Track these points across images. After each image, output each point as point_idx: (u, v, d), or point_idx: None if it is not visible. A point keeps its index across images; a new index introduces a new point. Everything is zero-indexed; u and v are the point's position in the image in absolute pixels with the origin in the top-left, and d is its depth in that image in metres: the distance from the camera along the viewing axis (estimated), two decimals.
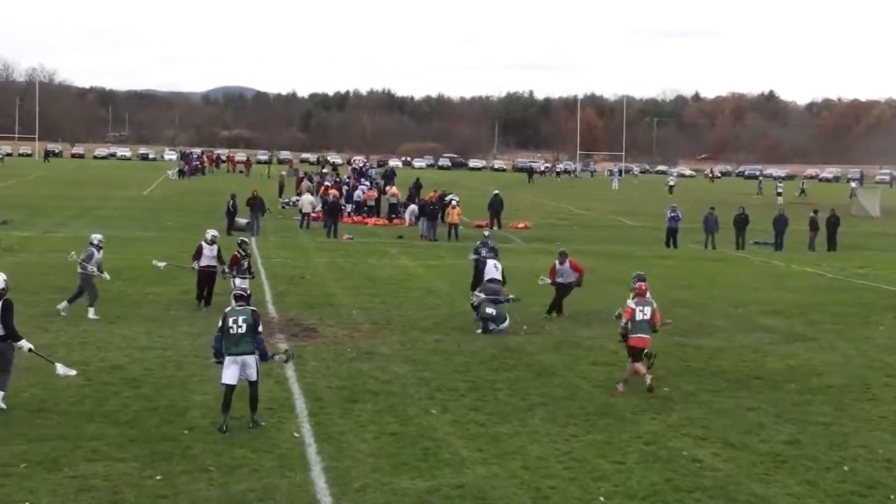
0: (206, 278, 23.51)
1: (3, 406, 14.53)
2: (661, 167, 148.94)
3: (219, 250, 23.63)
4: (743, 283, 31.60)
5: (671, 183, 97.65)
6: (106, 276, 22.57)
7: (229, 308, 14.39)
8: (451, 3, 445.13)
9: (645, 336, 16.93)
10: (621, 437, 14.22)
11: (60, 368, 15.23)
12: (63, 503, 11.04)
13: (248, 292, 15.09)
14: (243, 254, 23.31)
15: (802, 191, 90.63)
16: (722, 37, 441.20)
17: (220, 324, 14.18)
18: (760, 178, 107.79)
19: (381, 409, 15.27)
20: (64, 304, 22.16)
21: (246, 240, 25.22)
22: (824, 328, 23.46)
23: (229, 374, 13.99)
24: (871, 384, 17.94)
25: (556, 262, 24.31)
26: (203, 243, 23.59)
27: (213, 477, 11.99)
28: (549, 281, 24.02)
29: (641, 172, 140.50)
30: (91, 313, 21.66)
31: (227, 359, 14.01)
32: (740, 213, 44.57)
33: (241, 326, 14.02)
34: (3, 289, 14.86)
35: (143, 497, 11.28)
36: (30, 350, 14.90)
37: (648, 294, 17.74)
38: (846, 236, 46.53)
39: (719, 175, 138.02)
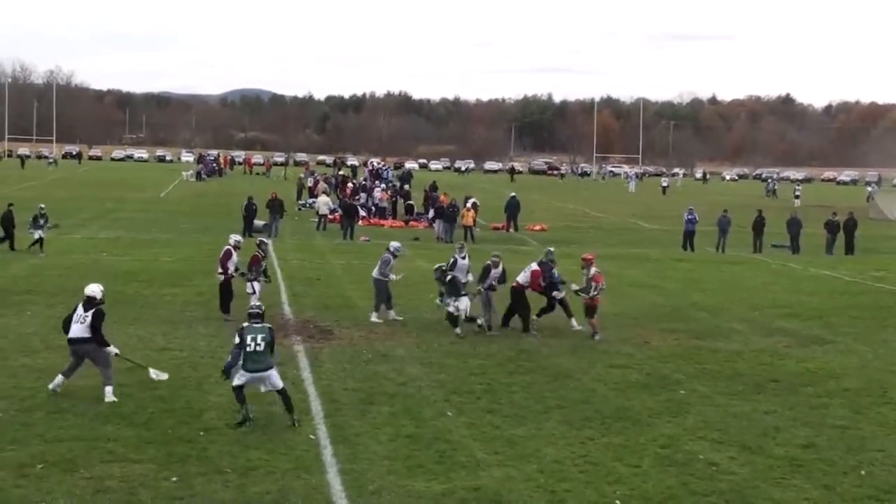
0: (229, 285, 22.75)
1: (114, 399, 15.12)
2: (676, 170, 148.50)
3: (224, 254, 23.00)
4: (760, 286, 31.49)
5: (664, 184, 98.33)
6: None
7: (246, 325, 14.42)
8: (469, 7, 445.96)
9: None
10: (637, 440, 14.18)
11: (153, 373, 15.90)
12: None
13: (262, 308, 15.15)
14: (263, 255, 23.29)
15: (773, 192, 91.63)
16: (736, 40, 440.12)
17: (237, 340, 14.23)
18: (770, 180, 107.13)
19: (397, 412, 15.27)
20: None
21: (265, 240, 25.17)
22: (841, 331, 23.36)
23: (239, 380, 14.15)
24: (888, 388, 17.85)
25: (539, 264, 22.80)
26: (231, 249, 22.85)
27: (229, 479, 12.01)
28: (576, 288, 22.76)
29: (684, 176, 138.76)
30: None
31: (244, 374, 14.11)
32: (758, 217, 44.44)
33: (259, 344, 14.14)
34: (99, 299, 15.77)
35: (159, 498, 11.30)
36: (116, 355, 15.62)
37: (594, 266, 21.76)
38: (863, 239, 46.31)
39: (733, 178, 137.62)
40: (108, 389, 15.28)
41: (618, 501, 11.67)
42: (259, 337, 14.18)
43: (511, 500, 11.60)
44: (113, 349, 15.63)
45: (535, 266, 22.44)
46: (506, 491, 11.89)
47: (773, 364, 19.60)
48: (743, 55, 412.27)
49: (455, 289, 21.76)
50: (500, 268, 22.62)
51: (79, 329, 15.54)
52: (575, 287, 22.39)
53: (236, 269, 22.80)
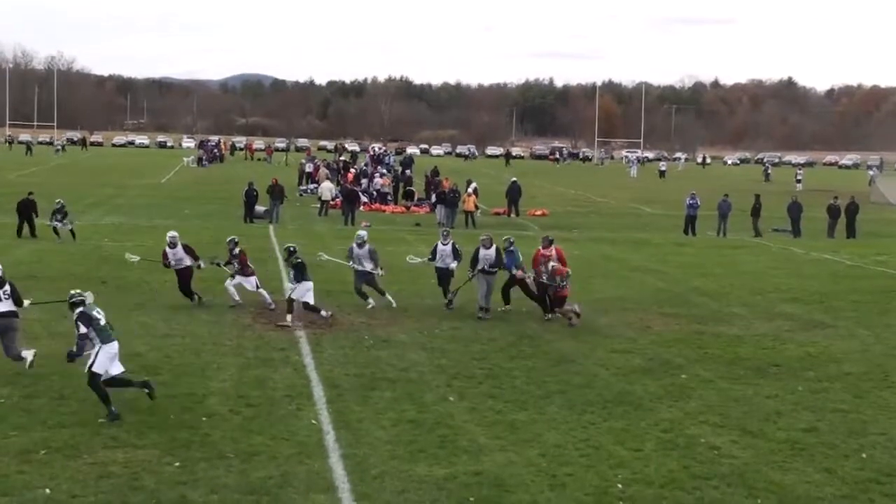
0: (183, 280, 22.48)
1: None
2: (678, 154, 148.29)
3: (185, 246, 22.51)
4: (761, 270, 31.50)
5: (662, 168, 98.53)
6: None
7: (86, 306, 14.25)
8: None
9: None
10: (639, 424, 14.21)
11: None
12: (83, 489, 11.09)
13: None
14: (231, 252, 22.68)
15: (767, 175, 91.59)
16: (737, 24, 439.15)
17: (83, 330, 14.01)
18: (767, 164, 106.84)
19: (399, 397, 15.30)
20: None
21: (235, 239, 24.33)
22: (843, 315, 23.36)
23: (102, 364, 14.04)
24: (889, 372, 17.86)
25: (541, 248, 22.43)
26: (166, 248, 22.43)
27: (232, 464, 12.04)
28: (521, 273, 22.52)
29: (686, 161, 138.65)
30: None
31: (110, 350, 14.05)
32: (756, 202, 44.47)
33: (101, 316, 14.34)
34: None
35: (162, 483, 11.33)
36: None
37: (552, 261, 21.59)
38: (865, 223, 46.30)
39: (735, 162, 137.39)
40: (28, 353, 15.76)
41: (619, 485, 11.70)
42: (98, 309, 14.24)
43: (513, 485, 11.63)
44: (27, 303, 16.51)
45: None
46: (507, 475, 11.92)
47: (775, 348, 19.62)
48: (745, 39, 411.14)
49: (299, 273, 20.85)
50: (492, 250, 22.13)
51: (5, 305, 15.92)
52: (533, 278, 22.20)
53: (213, 261, 22.79)
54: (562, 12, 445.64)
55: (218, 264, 22.92)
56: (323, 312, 20.71)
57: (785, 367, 17.99)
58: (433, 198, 49.38)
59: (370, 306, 22.24)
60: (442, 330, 20.38)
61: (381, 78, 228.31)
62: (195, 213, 46.02)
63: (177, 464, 11.97)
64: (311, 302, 20.76)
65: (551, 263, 21.53)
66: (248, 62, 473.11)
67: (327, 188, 49.18)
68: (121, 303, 21.76)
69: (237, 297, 22.10)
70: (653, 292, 26.09)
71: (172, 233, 22.86)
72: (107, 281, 24.24)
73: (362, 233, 23.51)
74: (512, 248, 22.52)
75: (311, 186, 58.50)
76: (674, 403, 15.39)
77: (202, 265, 22.62)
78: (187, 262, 22.36)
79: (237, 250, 22.56)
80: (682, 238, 41.80)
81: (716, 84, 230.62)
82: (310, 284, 20.84)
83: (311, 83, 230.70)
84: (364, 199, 50.98)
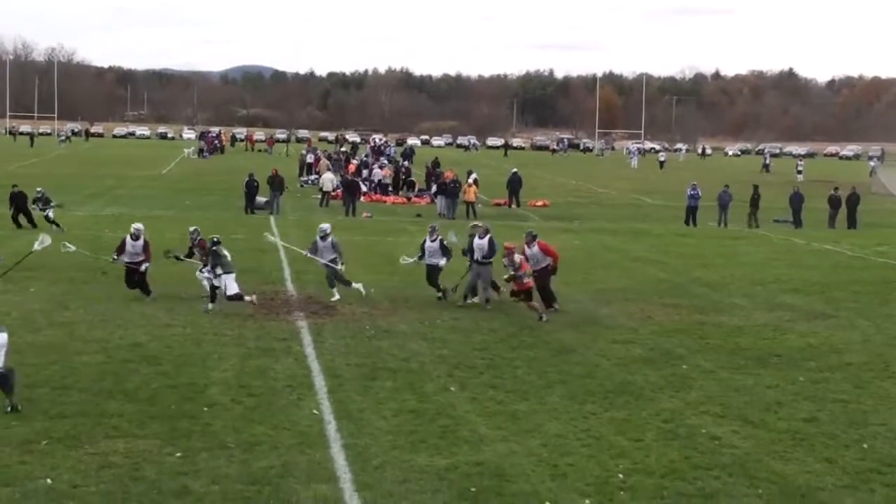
0: (130, 275, 21.96)
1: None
2: (679, 145, 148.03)
3: (146, 242, 22.16)
4: (762, 261, 31.49)
5: (662, 159, 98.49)
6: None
7: None
8: None
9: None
10: (640, 414, 14.21)
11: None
12: (84, 479, 11.10)
13: None
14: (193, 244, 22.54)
15: (765, 167, 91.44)
16: (735, 14, 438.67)
17: None
18: (767, 155, 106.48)
19: (400, 387, 15.30)
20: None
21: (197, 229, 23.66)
22: (844, 306, 23.36)
23: None
24: (890, 362, 17.86)
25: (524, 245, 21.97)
26: (127, 237, 22.12)
27: (233, 454, 12.04)
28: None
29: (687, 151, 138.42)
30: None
31: None
32: (754, 192, 44.48)
33: None
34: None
35: (164, 473, 11.34)
36: None
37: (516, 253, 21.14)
38: (866, 214, 46.28)
39: (735, 153, 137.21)
40: None
41: (620, 475, 11.70)
42: None
43: (514, 475, 11.63)
44: None
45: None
46: (508, 465, 11.93)
47: (776, 339, 19.62)
48: (745, 30, 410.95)
49: (218, 262, 20.65)
50: (486, 239, 21.94)
51: None
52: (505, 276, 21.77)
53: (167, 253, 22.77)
54: (562, 3, 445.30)
55: (177, 257, 22.85)
56: (247, 298, 20.58)
57: (786, 357, 17.99)
58: (434, 188, 49.36)
59: (334, 298, 22.15)
60: (443, 320, 20.37)
61: (382, 69, 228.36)
62: (196, 204, 45.98)
63: (178, 454, 11.97)
64: (236, 291, 20.57)
65: (517, 256, 21.13)
66: (248, 54, 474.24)
67: (328, 179, 49.14)
68: (121, 293, 21.78)
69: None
70: (654, 283, 26.09)
71: (138, 225, 22.49)
72: (107, 272, 24.21)
73: (324, 226, 23.25)
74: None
75: (313, 177, 58.47)
76: (675, 394, 15.39)
77: (147, 268, 21.95)
78: (141, 258, 21.87)
79: (199, 238, 22.33)
80: (682, 229, 41.79)
81: (717, 75, 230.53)
82: (233, 276, 20.72)
83: (312, 74, 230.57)
84: (364, 188, 50.95)
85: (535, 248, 21.85)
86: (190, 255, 22.68)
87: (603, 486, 11.38)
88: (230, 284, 20.55)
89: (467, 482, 11.34)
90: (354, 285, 22.52)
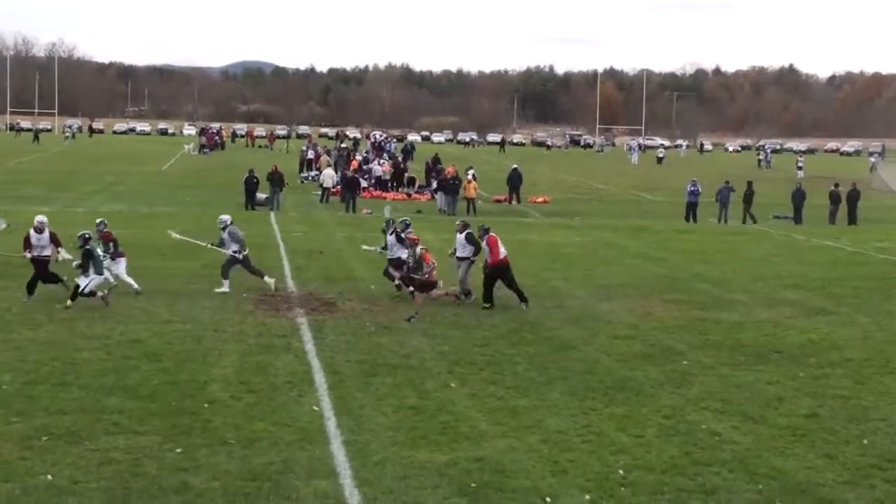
0: (39, 268, 21.26)
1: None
2: (679, 141, 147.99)
3: (52, 234, 21.61)
4: (763, 257, 31.49)
5: (660, 155, 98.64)
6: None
7: None
8: None
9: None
10: (640, 410, 14.21)
11: None
12: (84, 476, 11.10)
13: None
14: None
15: (767, 162, 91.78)
16: (733, 8, 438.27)
17: None
18: (767, 151, 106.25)
19: (400, 383, 15.30)
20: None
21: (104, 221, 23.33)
22: (844, 302, 23.35)
23: None
24: (890, 358, 17.86)
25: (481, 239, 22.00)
26: (31, 231, 21.49)
27: (234, 450, 12.05)
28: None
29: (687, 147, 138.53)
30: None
31: None
32: (748, 188, 44.54)
33: None
34: None
35: (164, 470, 11.34)
36: None
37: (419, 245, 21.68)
38: (866, 210, 46.31)
39: (736, 149, 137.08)
40: None
41: (621, 471, 11.70)
42: None
43: (514, 471, 11.63)
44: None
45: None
46: (509, 461, 11.93)
47: (776, 335, 19.61)
48: (746, 25, 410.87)
49: (89, 262, 20.39)
50: (463, 234, 22.24)
51: None
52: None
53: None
54: None
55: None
56: (99, 294, 20.39)
57: (786, 353, 17.99)
58: (434, 185, 49.34)
59: (221, 290, 22.11)
60: (443, 317, 20.36)
61: (382, 65, 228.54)
62: (196, 200, 46.00)
63: (178, 450, 11.97)
64: (92, 289, 20.32)
65: (419, 248, 21.59)
66: (248, 49, 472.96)
67: (329, 175, 49.14)
68: (122, 288, 21.75)
69: (136, 285, 21.79)
70: (654, 279, 26.09)
71: (41, 217, 22.01)
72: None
73: (223, 217, 23.09)
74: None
75: (313, 173, 58.48)
76: (675, 390, 15.39)
77: (61, 256, 21.65)
78: (48, 251, 21.45)
79: (106, 230, 22.18)
80: (683, 225, 41.81)
81: (717, 71, 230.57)
82: (101, 278, 20.56)
83: (312, 70, 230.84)
84: (364, 184, 50.94)
85: (484, 243, 21.88)
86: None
87: (603, 481, 11.38)
88: (93, 283, 20.36)
89: (467, 478, 11.33)
90: (265, 278, 22.67)
